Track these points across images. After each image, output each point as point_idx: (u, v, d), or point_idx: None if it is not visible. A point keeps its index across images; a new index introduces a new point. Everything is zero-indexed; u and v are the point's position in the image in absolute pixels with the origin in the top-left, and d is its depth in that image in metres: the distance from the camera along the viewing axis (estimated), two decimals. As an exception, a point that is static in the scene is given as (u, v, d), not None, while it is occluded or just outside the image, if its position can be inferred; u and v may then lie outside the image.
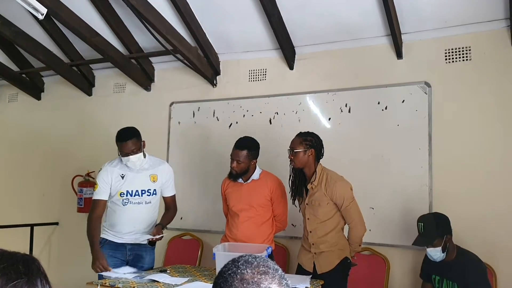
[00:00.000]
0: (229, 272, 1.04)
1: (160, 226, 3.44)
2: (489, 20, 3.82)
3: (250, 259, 1.06)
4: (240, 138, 3.52)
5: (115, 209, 3.44)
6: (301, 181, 3.38)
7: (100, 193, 3.41)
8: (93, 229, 3.33)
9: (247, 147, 3.42)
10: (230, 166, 3.46)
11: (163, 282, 2.92)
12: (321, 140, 3.34)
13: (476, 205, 3.73)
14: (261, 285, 1.01)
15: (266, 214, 3.49)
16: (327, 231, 3.25)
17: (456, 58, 3.95)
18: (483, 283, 3.02)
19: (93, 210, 3.41)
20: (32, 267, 1.05)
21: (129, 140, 3.33)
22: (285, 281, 1.05)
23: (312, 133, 3.36)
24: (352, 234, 3.27)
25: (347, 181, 3.30)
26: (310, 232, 3.30)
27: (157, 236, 3.35)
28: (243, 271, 1.02)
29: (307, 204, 3.31)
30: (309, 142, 3.27)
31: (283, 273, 1.07)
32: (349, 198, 3.22)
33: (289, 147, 3.32)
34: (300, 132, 3.37)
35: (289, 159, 3.32)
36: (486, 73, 3.83)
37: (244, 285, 1.00)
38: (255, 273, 1.02)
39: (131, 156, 3.34)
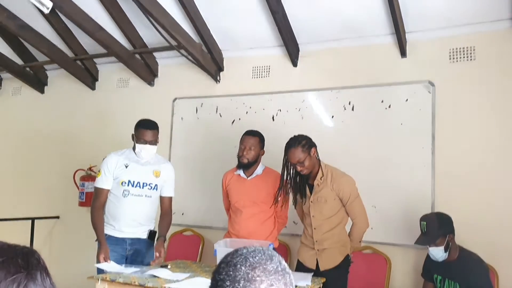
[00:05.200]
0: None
1: (162, 240, 3.40)
2: (493, 20, 3.81)
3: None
4: (248, 130, 3.57)
5: (115, 201, 3.44)
6: (303, 180, 3.37)
7: (102, 181, 3.42)
8: (96, 219, 3.37)
9: (258, 135, 3.49)
10: (240, 155, 3.46)
11: (163, 278, 2.92)
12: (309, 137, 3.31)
13: (478, 205, 3.72)
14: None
15: (269, 210, 3.49)
16: (332, 226, 3.26)
17: (460, 57, 3.94)
18: (485, 283, 3.01)
19: (95, 198, 3.44)
20: (31, 260, 1.04)
21: (154, 130, 3.43)
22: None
23: (300, 135, 3.28)
24: (355, 230, 3.28)
25: (351, 176, 3.30)
26: (315, 229, 3.29)
27: (157, 261, 3.28)
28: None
29: (311, 202, 3.30)
30: (307, 144, 3.22)
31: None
32: (354, 194, 3.24)
33: (293, 162, 3.20)
34: (292, 141, 3.23)
35: (300, 171, 3.23)
36: (490, 73, 3.82)
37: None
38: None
39: (147, 145, 3.38)
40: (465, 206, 3.71)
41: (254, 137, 3.46)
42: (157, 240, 3.43)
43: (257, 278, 1.02)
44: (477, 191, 3.75)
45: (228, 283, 1.01)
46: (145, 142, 3.38)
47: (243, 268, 1.03)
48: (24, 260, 1.03)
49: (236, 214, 3.55)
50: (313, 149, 3.24)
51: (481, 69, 3.86)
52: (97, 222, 3.36)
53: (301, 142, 3.21)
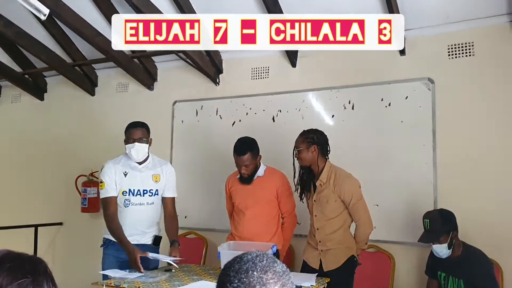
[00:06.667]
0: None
1: (176, 245, 3.33)
2: (491, 15, 3.81)
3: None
4: (236, 144, 3.46)
5: (117, 211, 3.43)
6: (309, 178, 3.37)
7: (107, 191, 3.36)
8: (114, 228, 3.28)
9: (248, 149, 3.39)
10: (240, 172, 3.46)
11: (167, 282, 2.92)
12: (325, 136, 3.33)
13: (481, 201, 3.71)
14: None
15: (272, 211, 3.48)
16: (335, 228, 3.24)
17: (459, 53, 3.94)
18: (489, 279, 3.00)
19: (106, 209, 3.36)
20: (38, 267, 1.05)
21: (141, 128, 3.38)
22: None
23: (315, 130, 3.35)
24: (359, 232, 3.26)
25: (356, 178, 3.28)
26: (318, 229, 3.29)
27: (177, 259, 3.25)
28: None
29: (314, 201, 3.30)
30: (311, 140, 3.26)
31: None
32: (357, 196, 3.21)
33: (294, 146, 3.33)
34: (303, 131, 3.37)
35: (296, 158, 3.33)
36: (490, 69, 3.82)
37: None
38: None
39: (136, 143, 3.33)
40: (467, 202, 3.70)
41: (245, 154, 3.36)
42: (171, 246, 3.32)
43: (271, 281, 1.05)
44: (479, 186, 3.74)
45: None
46: (134, 141, 3.33)
47: (255, 273, 1.05)
48: (31, 267, 1.04)
49: (239, 216, 3.54)
50: (313, 146, 3.25)
51: (480, 64, 3.85)
52: (116, 230, 3.27)
53: (305, 134, 3.32)
